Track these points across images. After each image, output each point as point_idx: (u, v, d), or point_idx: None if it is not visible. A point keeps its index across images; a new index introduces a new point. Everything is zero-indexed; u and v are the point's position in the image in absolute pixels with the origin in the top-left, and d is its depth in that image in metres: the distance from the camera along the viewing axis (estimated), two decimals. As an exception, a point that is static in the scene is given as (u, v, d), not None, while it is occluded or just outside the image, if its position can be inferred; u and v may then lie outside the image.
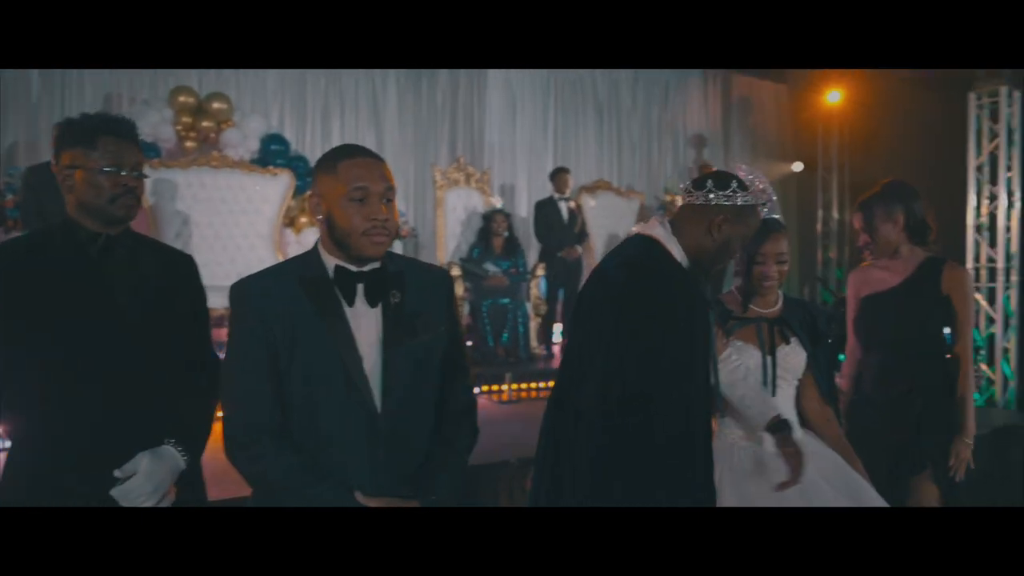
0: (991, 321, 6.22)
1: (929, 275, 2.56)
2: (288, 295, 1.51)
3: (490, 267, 5.94)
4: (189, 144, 6.00)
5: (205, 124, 6.03)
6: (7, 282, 1.59)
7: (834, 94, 8.97)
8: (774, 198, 1.91)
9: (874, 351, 2.64)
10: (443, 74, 7.56)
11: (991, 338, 6.20)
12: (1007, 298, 6.20)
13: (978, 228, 6.37)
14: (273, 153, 6.24)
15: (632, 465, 1.66)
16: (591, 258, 7.05)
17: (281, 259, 5.84)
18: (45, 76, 5.99)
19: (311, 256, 1.57)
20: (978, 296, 6.13)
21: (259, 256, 5.93)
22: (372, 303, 1.53)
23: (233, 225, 5.83)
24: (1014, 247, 6.22)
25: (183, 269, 1.83)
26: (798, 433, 1.93)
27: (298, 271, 1.55)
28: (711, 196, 1.75)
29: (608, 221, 7.37)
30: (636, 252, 1.81)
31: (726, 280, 2.83)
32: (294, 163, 6.31)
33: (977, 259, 6.34)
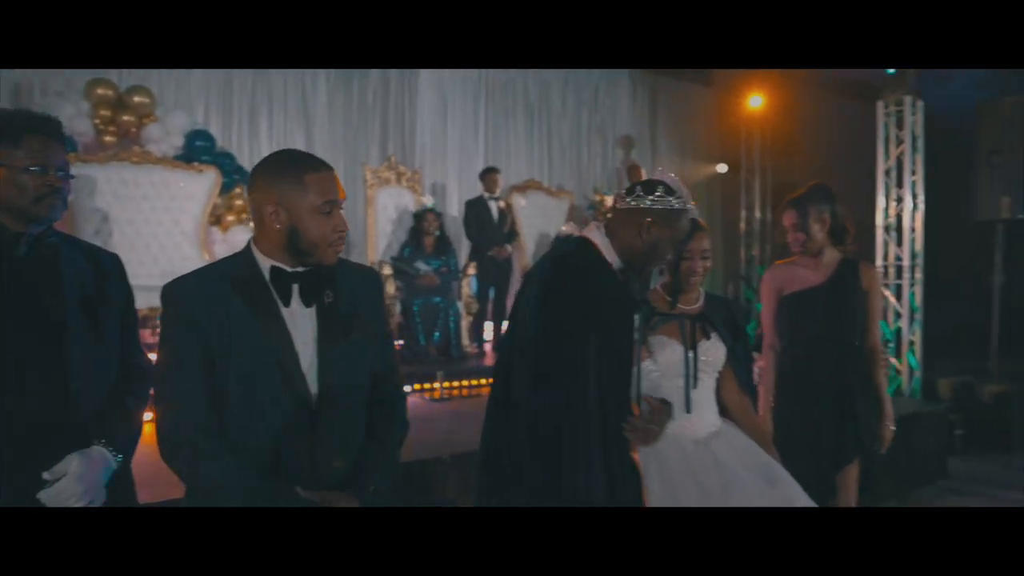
0: (898, 316, 6.58)
1: (849, 274, 2.75)
2: (221, 296, 1.51)
3: (421, 266, 5.95)
4: (108, 139, 5.79)
5: (126, 118, 5.83)
6: None
7: (756, 99, 9.31)
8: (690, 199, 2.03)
9: (799, 346, 2.78)
10: (374, 74, 7.51)
11: (898, 332, 6.56)
12: (912, 294, 6.57)
13: (886, 228, 6.72)
14: (198, 149, 6.07)
15: (562, 459, 1.73)
16: (522, 257, 7.15)
17: (208, 258, 5.71)
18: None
19: (243, 257, 1.58)
20: (886, 292, 6.49)
21: (184, 255, 5.79)
22: (307, 303, 1.56)
23: (156, 223, 5.69)
24: (919, 246, 6.60)
25: (110, 268, 1.80)
26: (675, 417, 2.10)
27: (231, 272, 1.56)
28: (640, 200, 1.85)
29: (539, 220, 7.48)
30: (570, 252, 1.89)
31: (652, 279, 2.95)
32: (220, 160, 6.17)
33: (885, 257, 6.70)
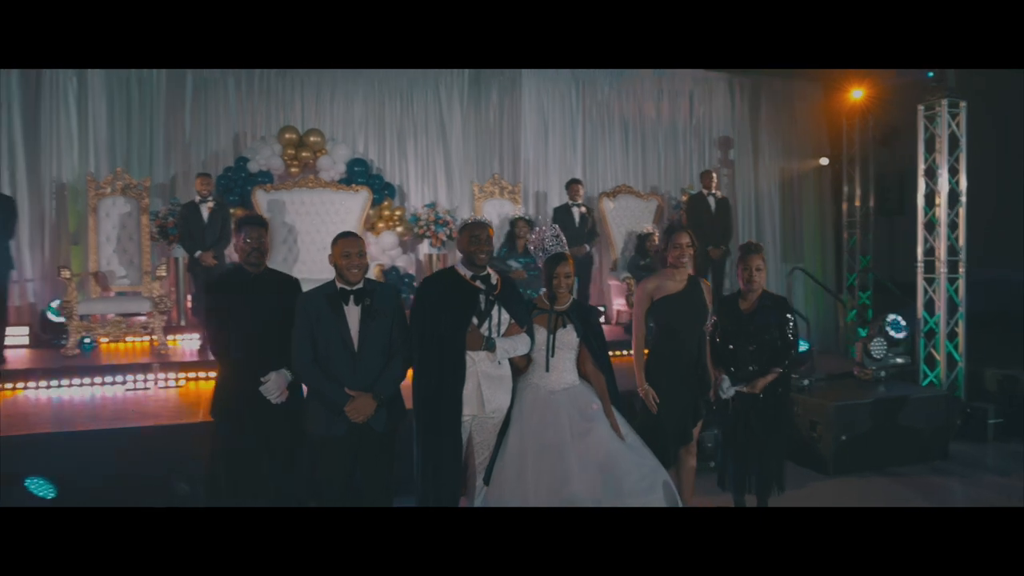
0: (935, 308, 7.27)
1: (695, 285, 4.11)
2: (318, 303, 3.39)
3: (513, 263, 7.50)
4: (293, 170, 7.98)
5: (304, 154, 8.01)
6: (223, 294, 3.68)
7: (857, 92, 9.79)
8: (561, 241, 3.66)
9: (669, 334, 4.13)
10: (493, 96, 9.09)
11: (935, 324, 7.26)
12: (954, 288, 7.25)
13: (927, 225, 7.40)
14: (356, 173, 8.12)
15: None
16: (612, 252, 8.62)
17: (369, 258, 7.66)
18: (195, 120, 8.23)
19: (331, 284, 3.45)
20: (927, 286, 7.20)
21: (344, 253, 7.85)
22: (356, 304, 3.40)
23: (326, 233, 7.61)
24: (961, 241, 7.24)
25: (293, 289, 3.72)
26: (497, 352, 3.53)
27: (324, 291, 3.46)
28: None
29: (627, 220, 8.79)
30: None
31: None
32: (372, 180, 8.18)
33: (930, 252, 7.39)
